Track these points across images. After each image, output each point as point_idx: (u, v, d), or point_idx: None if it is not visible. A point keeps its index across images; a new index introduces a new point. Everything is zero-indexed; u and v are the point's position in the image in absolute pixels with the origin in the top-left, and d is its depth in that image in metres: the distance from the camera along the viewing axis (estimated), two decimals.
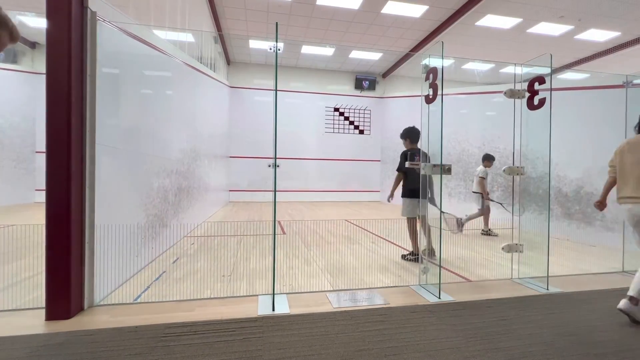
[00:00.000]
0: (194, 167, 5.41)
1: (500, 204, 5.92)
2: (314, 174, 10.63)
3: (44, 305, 2.23)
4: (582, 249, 4.72)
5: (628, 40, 8.84)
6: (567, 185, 5.51)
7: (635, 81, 4.00)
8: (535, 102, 3.12)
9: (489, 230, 5.72)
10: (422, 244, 3.47)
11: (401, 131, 4.11)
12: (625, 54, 9.37)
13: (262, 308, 2.46)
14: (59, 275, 2.22)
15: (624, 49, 9.13)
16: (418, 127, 3.14)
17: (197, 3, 7.13)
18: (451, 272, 3.51)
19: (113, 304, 2.51)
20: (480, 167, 5.71)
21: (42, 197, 2.32)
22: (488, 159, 5.80)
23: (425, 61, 3.07)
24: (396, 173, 4.03)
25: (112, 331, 2.09)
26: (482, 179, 5.61)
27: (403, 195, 3.92)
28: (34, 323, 2.17)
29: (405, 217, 3.90)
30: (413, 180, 3.80)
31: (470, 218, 5.77)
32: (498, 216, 6.75)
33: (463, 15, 7.47)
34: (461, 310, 2.52)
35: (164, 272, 3.30)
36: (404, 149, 4.09)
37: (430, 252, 3.65)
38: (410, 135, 4.03)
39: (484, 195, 5.62)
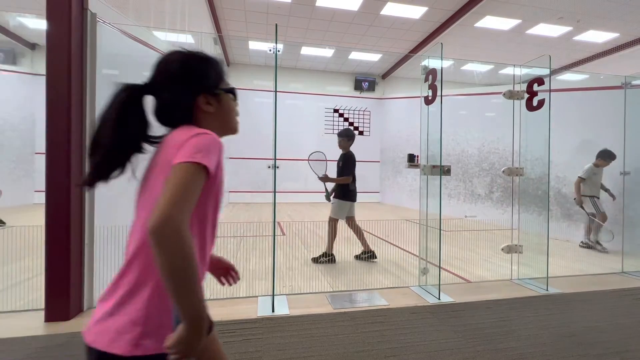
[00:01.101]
0: None
1: (593, 217, 4.73)
2: (313, 175, 10.59)
3: (43, 306, 2.23)
4: (582, 250, 4.73)
5: (627, 42, 8.86)
6: (567, 186, 5.52)
7: (634, 82, 4.01)
8: (535, 103, 3.13)
9: (590, 242, 4.78)
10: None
11: (341, 130, 4.03)
12: (623, 55, 9.39)
13: (262, 309, 2.46)
14: (58, 276, 2.22)
15: (622, 50, 9.16)
16: (418, 128, 3.16)
17: (197, 5, 7.14)
18: (451, 272, 3.51)
19: None
20: (588, 165, 4.64)
21: (41, 198, 2.31)
22: (602, 157, 4.59)
23: (425, 62, 3.08)
24: (327, 174, 3.86)
25: None
26: (579, 179, 4.67)
27: (341, 197, 3.80)
28: (33, 325, 2.17)
29: (333, 218, 3.81)
30: (355, 183, 3.86)
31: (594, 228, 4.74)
32: (497, 217, 6.76)
33: (462, 17, 7.49)
34: (461, 311, 2.52)
35: None
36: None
37: (371, 253, 3.84)
38: (354, 137, 3.98)
39: (576, 199, 4.75)
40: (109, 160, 0.76)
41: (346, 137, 3.93)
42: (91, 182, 0.76)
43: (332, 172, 3.94)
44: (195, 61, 0.84)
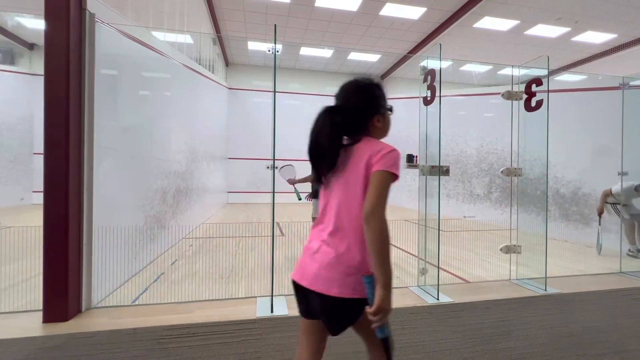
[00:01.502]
0: (192, 168, 5.40)
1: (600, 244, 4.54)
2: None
3: (41, 307, 2.22)
4: (580, 250, 4.74)
5: (624, 42, 8.90)
6: (565, 186, 5.53)
7: (632, 83, 4.03)
8: (533, 103, 3.13)
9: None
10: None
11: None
12: (621, 55, 9.43)
13: (261, 310, 2.45)
14: (56, 277, 2.21)
15: (620, 50, 9.19)
16: (417, 129, 3.17)
17: (196, 5, 7.14)
18: (449, 273, 3.51)
19: (111, 306, 2.50)
20: (629, 185, 4.21)
21: (40, 198, 2.31)
22: None
23: (424, 63, 3.08)
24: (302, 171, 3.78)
25: (110, 333, 2.09)
26: (609, 192, 4.38)
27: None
28: (31, 325, 2.16)
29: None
30: None
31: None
32: (496, 217, 6.77)
33: (461, 18, 7.51)
34: (460, 312, 2.52)
35: (162, 273, 3.29)
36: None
37: None
38: None
39: (598, 208, 4.53)
40: (332, 162, 1.08)
41: None
42: (321, 178, 1.13)
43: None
44: (373, 90, 1.12)
